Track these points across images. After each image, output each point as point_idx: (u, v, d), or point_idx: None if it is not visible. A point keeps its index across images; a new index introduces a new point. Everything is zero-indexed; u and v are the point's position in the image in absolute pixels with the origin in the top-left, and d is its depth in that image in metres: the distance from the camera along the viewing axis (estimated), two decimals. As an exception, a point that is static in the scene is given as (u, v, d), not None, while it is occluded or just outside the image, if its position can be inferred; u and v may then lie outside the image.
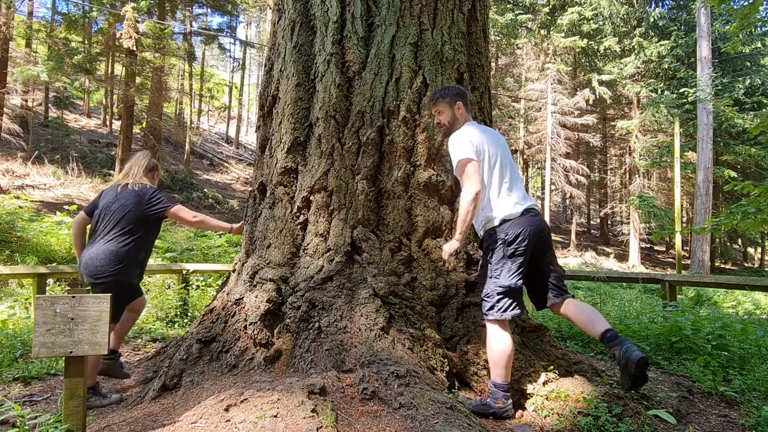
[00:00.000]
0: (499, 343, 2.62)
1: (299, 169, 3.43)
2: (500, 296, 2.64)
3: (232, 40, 34.65)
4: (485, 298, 2.70)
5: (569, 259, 21.81)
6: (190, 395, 2.57)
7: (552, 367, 2.94)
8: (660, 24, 22.87)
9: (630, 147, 25.02)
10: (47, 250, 8.44)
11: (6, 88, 15.67)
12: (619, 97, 25.68)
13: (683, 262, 18.52)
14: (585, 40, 22.79)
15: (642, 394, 2.84)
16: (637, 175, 24.58)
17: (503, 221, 2.70)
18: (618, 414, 2.54)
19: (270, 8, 23.48)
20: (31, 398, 3.19)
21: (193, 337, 2.97)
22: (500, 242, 2.67)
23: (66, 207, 11.22)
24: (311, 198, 3.30)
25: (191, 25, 22.17)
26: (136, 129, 18.87)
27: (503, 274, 2.66)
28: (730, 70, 21.10)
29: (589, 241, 29.19)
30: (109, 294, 2.10)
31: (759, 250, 31.37)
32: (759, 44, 21.15)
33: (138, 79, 16.71)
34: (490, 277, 2.69)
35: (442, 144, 3.40)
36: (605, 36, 23.00)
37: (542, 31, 24.10)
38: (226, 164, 26.87)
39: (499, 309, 2.64)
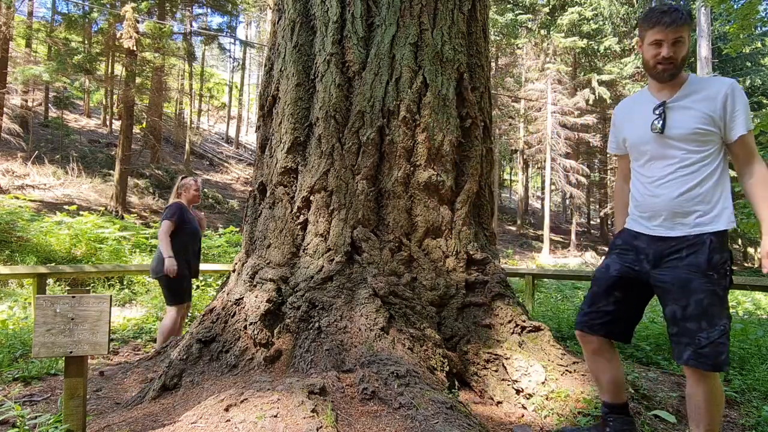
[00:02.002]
0: (723, 396, 2.02)
1: (299, 169, 3.43)
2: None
3: (232, 40, 34.65)
4: (725, 338, 1.90)
5: (569, 259, 21.81)
6: (190, 395, 2.57)
7: (552, 367, 2.94)
8: (660, 24, 22.84)
9: (630, 147, 24.99)
10: (47, 250, 8.44)
11: (6, 88, 15.67)
12: (619, 97, 25.65)
13: (683, 262, 18.48)
14: (585, 40, 22.80)
15: (642, 394, 2.85)
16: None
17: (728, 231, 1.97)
18: (618, 414, 2.53)
19: (270, 8, 23.49)
20: (31, 398, 3.19)
21: (193, 337, 2.97)
22: (729, 257, 1.96)
23: (66, 207, 11.23)
24: (311, 198, 3.30)
25: (191, 25, 22.16)
26: (136, 129, 18.87)
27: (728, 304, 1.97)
28: (730, 70, 21.10)
29: (589, 241, 29.18)
30: (109, 295, 2.11)
31: (759, 250, 31.33)
32: (759, 44, 21.16)
33: (138, 79, 16.71)
34: (726, 307, 1.93)
35: (442, 144, 3.40)
36: (605, 36, 23.01)
37: (542, 31, 24.10)
38: (226, 164, 26.87)
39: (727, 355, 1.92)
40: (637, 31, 2.21)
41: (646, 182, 2.09)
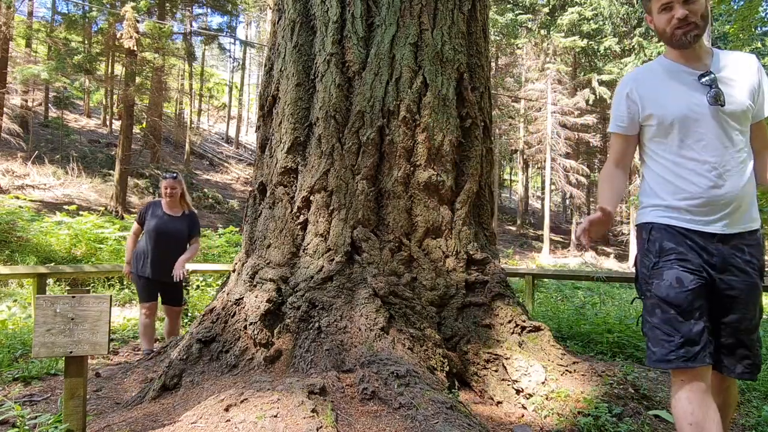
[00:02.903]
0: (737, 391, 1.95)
1: (299, 169, 3.43)
2: None
3: (232, 40, 34.67)
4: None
5: (569, 259, 21.81)
6: (190, 395, 2.57)
7: (552, 367, 2.94)
8: (660, 24, 22.86)
9: (630, 147, 24.99)
10: (47, 250, 8.44)
11: (6, 88, 15.67)
12: (619, 97, 25.68)
13: (683, 262, 18.46)
14: (585, 40, 22.80)
15: (642, 394, 2.84)
16: (637, 175, 24.59)
17: None
18: (618, 414, 2.54)
19: (270, 8, 23.48)
20: (31, 398, 3.19)
21: (193, 337, 2.97)
22: None
23: (66, 207, 11.23)
24: (311, 198, 3.30)
25: (191, 25, 22.17)
26: (136, 129, 18.87)
27: None
28: (730, 70, 21.08)
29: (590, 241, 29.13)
30: (109, 295, 2.12)
31: None
32: (759, 44, 21.16)
33: (138, 79, 16.71)
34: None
35: (442, 144, 3.40)
36: (605, 36, 23.00)
37: (542, 31, 24.11)
38: (226, 164, 26.87)
39: None
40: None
41: (703, 170, 1.72)
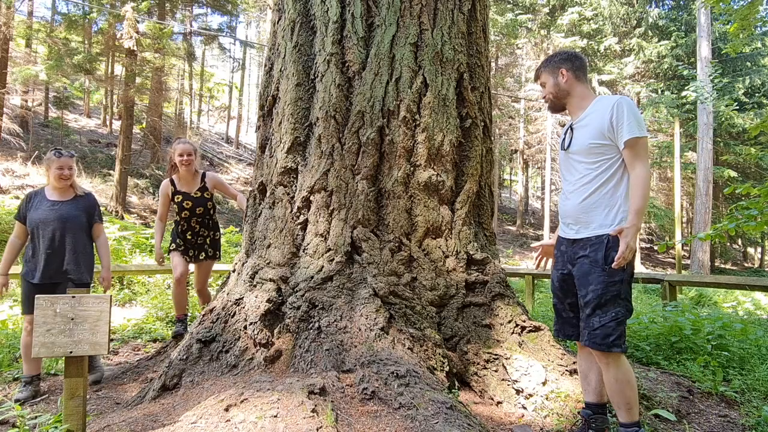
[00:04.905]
0: (632, 376, 2.24)
1: (299, 169, 3.43)
2: (624, 323, 2.23)
3: (232, 40, 34.66)
4: (615, 324, 2.18)
5: (569, 259, 21.78)
6: (190, 395, 2.57)
7: (552, 367, 2.94)
8: (660, 24, 22.88)
9: (630, 147, 24.97)
10: (47, 250, 8.42)
11: (6, 88, 15.67)
12: (619, 97, 25.66)
13: (683, 262, 18.52)
14: (585, 40, 22.79)
15: (642, 394, 2.84)
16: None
17: None
18: (618, 414, 2.53)
19: (270, 8, 23.47)
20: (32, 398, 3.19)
21: (193, 337, 2.97)
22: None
23: (66, 207, 11.20)
24: (311, 198, 3.30)
25: (191, 25, 22.15)
26: (136, 129, 18.87)
27: (629, 296, 2.26)
28: (730, 70, 21.08)
29: (589, 241, 29.06)
30: (109, 295, 2.13)
31: (759, 250, 31.37)
32: (759, 44, 21.14)
33: (138, 79, 16.70)
34: (622, 298, 2.21)
35: (442, 144, 3.41)
36: (605, 36, 23.00)
37: (542, 31, 24.10)
38: (226, 164, 26.86)
39: (624, 338, 2.22)
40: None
41: (563, 193, 2.46)
